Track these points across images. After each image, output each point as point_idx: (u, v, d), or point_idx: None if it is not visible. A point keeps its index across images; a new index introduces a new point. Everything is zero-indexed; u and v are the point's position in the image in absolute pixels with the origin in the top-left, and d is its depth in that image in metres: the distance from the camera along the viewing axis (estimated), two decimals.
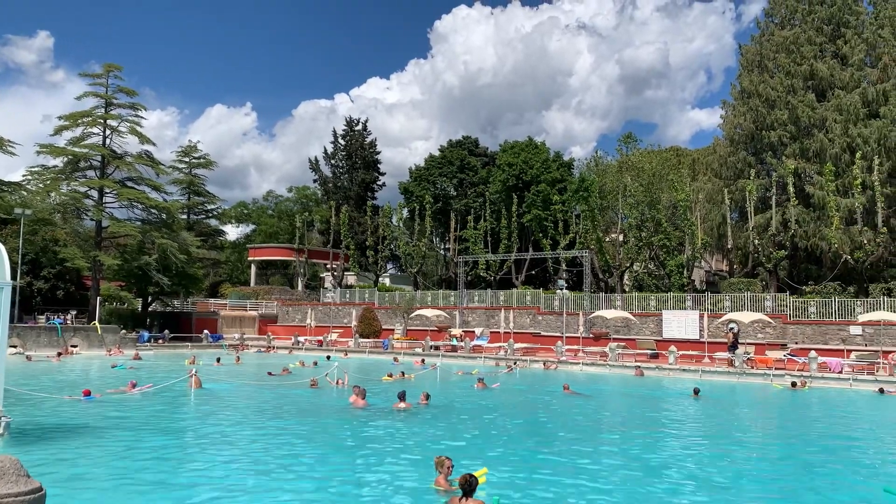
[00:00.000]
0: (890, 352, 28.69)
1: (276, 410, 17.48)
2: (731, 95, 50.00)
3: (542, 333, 40.36)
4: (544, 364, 32.19)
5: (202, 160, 62.42)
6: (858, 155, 38.21)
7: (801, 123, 43.81)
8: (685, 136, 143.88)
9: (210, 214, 65.94)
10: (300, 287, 60.41)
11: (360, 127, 71.35)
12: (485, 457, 11.83)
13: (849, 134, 41.67)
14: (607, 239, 51.23)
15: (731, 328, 31.70)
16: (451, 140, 67.22)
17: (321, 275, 65.11)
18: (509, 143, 60.55)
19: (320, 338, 44.21)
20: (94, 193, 44.98)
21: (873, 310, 32.17)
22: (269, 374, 26.42)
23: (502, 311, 41.81)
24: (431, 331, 42.34)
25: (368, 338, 42.11)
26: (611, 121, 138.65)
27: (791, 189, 39.63)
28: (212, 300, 54.07)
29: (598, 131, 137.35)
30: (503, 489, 9.64)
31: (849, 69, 43.91)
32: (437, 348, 38.11)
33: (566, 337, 37.93)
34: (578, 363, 32.13)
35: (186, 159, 61.94)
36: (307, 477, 10.45)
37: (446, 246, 62.48)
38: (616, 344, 34.50)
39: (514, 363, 32.04)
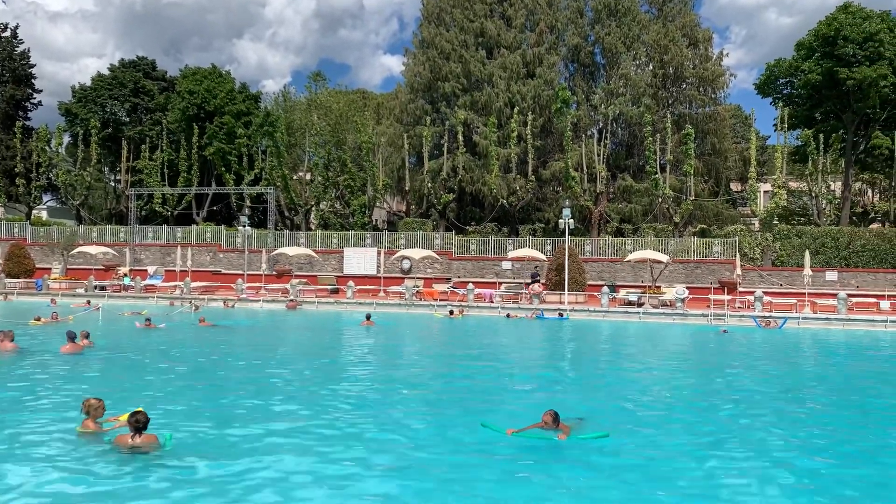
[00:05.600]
0: (530, 283, 33.34)
1: None
2: (413, 45, 52.42)
3: (224, 271, 39.30)
4: (224, 302, 31.39)
5: None
6: (516, 110, 43.03)
7: (472, 77, 47.74)
8: (377, 81, 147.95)
9: None
10: None
11: (8, 34, 60.41)
12: (144, 396, 11.31)
13: (510, 90, 46.62)
14: (294, 177, 51.09)
15: (536, 266, 33.70)
16: (123, 60, 60.45)
17: None
18: (191, 69, 56.34)
19: None
20: None
21: (521, 247, 36.98)
22: None
23: (179, 248, 39.54)
24: (97, 270, 38.57)
25: (18, 278, 36.91)
26: (305, 57, 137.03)
27: (461, 138, 43.35)
28: None
29: (293, 66, 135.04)
30: (166, 428, 9.31)
31: (512, 31, 48.81)
32: (103, 288, 34.85)
33: (248, 275, 37.39)
34: (259, 300, 31.95)
35: None
36: None
37: (117, 177, 56.78)
38: (298, 280, 35.02)
39: (191, 302, 30.75)
